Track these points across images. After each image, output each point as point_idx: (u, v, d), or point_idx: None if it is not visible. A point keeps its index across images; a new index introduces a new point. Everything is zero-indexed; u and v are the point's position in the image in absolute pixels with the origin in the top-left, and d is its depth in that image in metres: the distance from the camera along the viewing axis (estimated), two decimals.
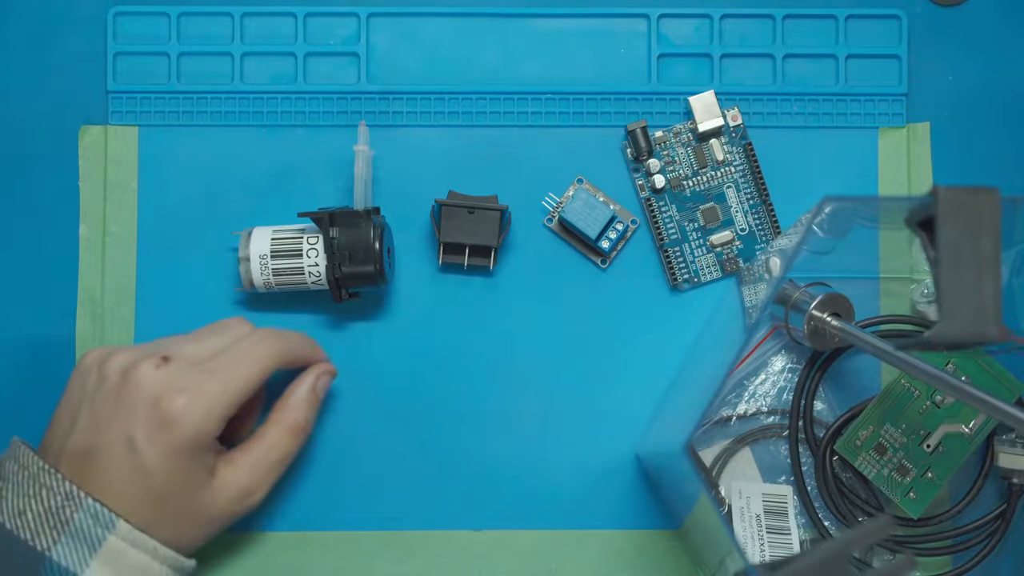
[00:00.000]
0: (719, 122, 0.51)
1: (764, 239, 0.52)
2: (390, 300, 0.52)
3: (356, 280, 0.48)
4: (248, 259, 0.49)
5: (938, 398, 0.49)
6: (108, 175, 0.52)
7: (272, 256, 0.48)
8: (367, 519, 0.51)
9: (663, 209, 0.52)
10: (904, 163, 0.52)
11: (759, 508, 0.49)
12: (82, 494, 0.41)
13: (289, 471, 0.48)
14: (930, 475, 0.49)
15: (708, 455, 0.51)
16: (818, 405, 0.51)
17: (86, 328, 0.51)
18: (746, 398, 0.51)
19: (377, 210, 0.50)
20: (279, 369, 0.46)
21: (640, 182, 0.52)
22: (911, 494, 0.49)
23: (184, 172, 0.52)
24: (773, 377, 0.51)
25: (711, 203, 0.52)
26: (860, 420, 0.49)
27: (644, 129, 0.51)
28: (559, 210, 0.52)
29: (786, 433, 0.51)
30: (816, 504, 0.50)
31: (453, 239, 0.49)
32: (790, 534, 0.48)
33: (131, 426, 0.42)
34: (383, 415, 0.51)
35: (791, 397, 0.51)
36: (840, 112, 0.52)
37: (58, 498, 0.41)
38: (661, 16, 0.53)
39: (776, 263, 0.47)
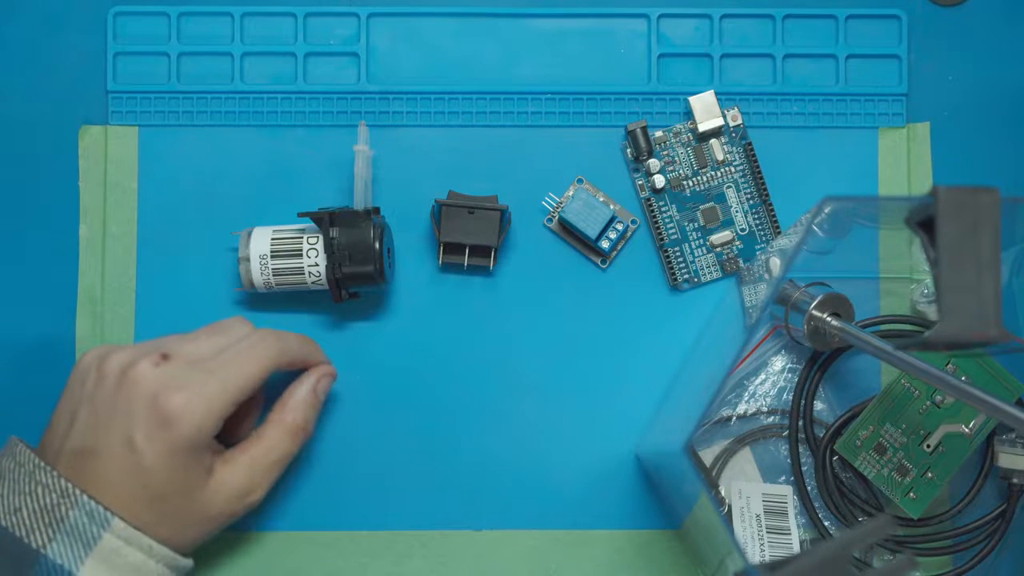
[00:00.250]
0: (719, 122, 0.51)
1: (764, 239, 0.52)
2: (390, 300, 0.52)
3: (356, 280, 0.48)
4: (248, 259, 0.49)
5: (938, 398, 0.49)
6: (108, 175, 0.52)
7: (272, 256, 0.48)
8: (367, 519, 0.51)
9: (663, 209, 0.52)
10: (904, 163, 0.52)
11: (759, 508, 0.49)
12: (77, 492, 0.41)
13: (289, 471, 0.48)
14: (930, 475, 0.49)
15: (708, 455, 0.51)
16: (818, 405, 0.51)
17: (86, 328, 0.51)
18: (746, 398, 0.51)
19: (377, 210, 0.50)
20: (278, 370, 0.46)
21: (640, 182, 0.52)
22: (911, 494, 0.49)
23: (184, 172, 0.52)
24: (773, 377, 0.51)
25: (711, 203, 0.52)
26: (860, 420, 0.49)
27: (644, 129, 0.51)
28: (559, 210, 0.52)
29: (786, 433, 0.51)
30: (816, 504, 0.50)
31: (453, 239, 0.49)
32: (790, 534, 0.48)
33: (129, 424, 0.42)
34: (383, 415, 0.51)
35: (791, 397, 0.51)
36: (840, 112, 0.52)
37: (53, 495, 0.41)
38: (661, 16, 0.53)
39: (776, 263, 0.47)
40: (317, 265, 0.48)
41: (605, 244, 0.51)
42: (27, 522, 0.41)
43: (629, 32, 0.53)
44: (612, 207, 0.52)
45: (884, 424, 0.49)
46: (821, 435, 0.50)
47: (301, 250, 0.48)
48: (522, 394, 0.51)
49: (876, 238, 0.52)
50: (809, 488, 0.50)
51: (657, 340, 0.51)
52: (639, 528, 0.51)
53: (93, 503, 0.41)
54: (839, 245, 0.51)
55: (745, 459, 0.51)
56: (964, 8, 0.53)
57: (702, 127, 0.51)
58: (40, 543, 0.40)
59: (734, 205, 0.52)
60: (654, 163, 0.51)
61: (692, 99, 0.51)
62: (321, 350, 0.49)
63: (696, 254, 0.52)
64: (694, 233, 0.52)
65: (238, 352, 0.45)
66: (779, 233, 0.52)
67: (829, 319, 0.47)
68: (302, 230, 0.49)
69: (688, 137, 0.52)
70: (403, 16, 0.52)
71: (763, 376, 0.51)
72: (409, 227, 0.52)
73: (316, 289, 0.49)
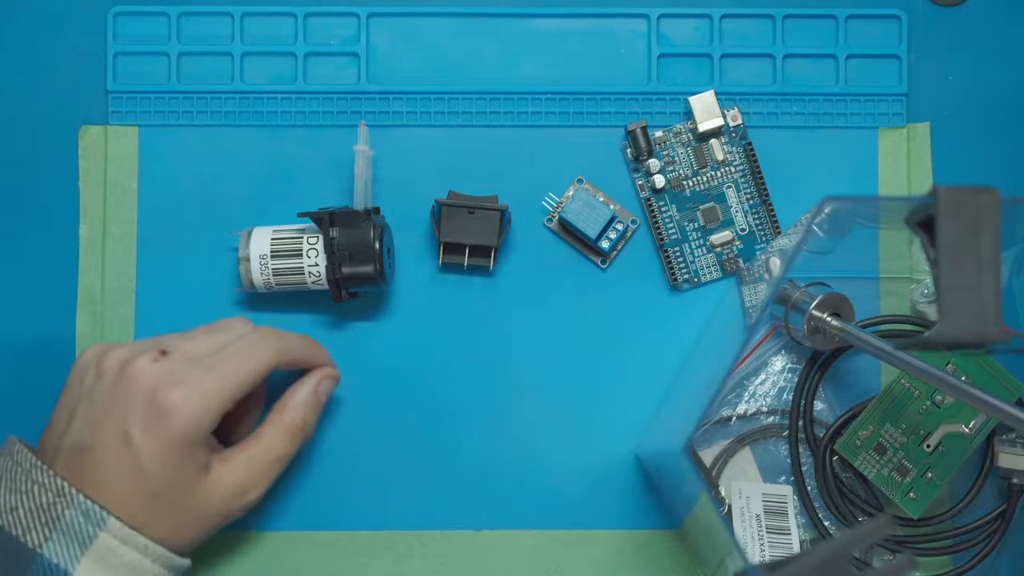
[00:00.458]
0: (719, 122, 0.51)
1: (764, 239, 0.52)
2: (390, 300, 0.52)
3: (356, 280, 0.48)
4: (248, 259, 0.49)
5: (938, 398, 0.49)
6: (108, 175, 0.52)
7: (272, 256, 0.48)
8: (367, 519, 0.51)
9: (663, 209, 0.52)
10: (904, 163, 0.52)
11: (759, 508, 0.49)
12: (73, 491, 0.41)
13: (289, 471, 0.48)
14: (930, 475, 0.49)
15: (708, 455, 0.51)
16: (818, 405, 0.51)
17: (86, 328, 0.51)
18: (746, 398, 0.51)
19: (377, 210, 0.50)
20: (278, 369, 0.46)
21: (640, 182, 0.52)
22: (911, 494, 0.49)
23: (184, 172, 0.52)
24: (773, 377, 0.51)
25: (711, 203, 0.52)
26: (860, 420, 0.49)
27: (644, 129, 0.51)
28: (559, 210, 0.52)
29: (786, 433, 0.51)
30: (816, 504, 0.50)
31: (453, 239, 0.49)
32: (790, 534, 0.48)
33: (127, 419, 0.42)
34: (383, 415, 0.51)
35: (791, 397, 0.51)
36: (840, 112, 0.52)
37: (49, 494, 0.41)
38: (661, 16, 0.53)
39: (776, 263, 0.47)
40: (317, 265, 0.48)
41: (605, 244, 0.51)
42: (23, 521, 0.41)
43: (629, 32, 0.53)
44: (612, 207, 0.52)
45: (884, 424, 0.49)
46: (821, 435, 0.50)
47: (301, 250, 0.48)
48: (522, 394, 0.51)
49: (876, 238, 0.52)
50: (809, 488, 0.50)
51: (657, 340, 0.51)
52: (639, 528, 0.51)
53: (89, 502, 0.41)
54: (839, 245, 0.51)
55: (745, 459, 0.51)
56: (964, 8, 0.53)
57: (702, 127, 0.51)
58: (36, 542, 0.40)
59: (734, 205, 0.52)
60: (654, 163, 0.51)
61: (692, 99, 0.51)
62: (325, 352, 0.49)
63: (696, 254, 0.52)
64: (694, 233, 0.52)
65: (237, 350, 0.45)
66: (779, 233, 0.52)
67: (829, 319, 0.46)
68: (302, 230, 0.49)
69: (688, 137, 0.52)
70: (403, 16, 0.52)
71: (763, 376, 0.51)
72: (409, 227, 0.52)
73: (316, 289, 0.49)
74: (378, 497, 0.51)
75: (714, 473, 0.51)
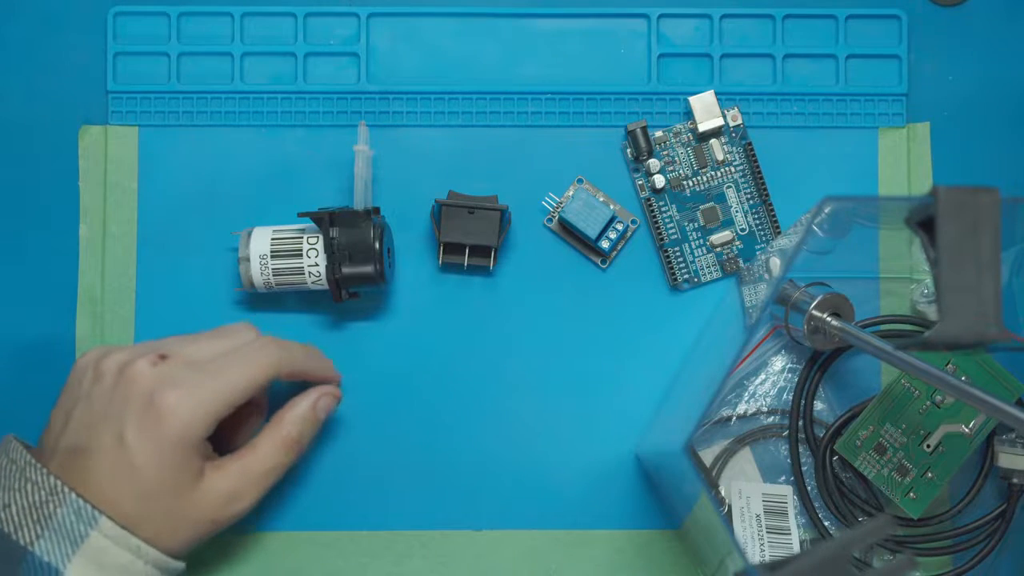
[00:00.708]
0: (719, 122, 0.51)
1: (764, 239, 0.52)
2: (390, 300, 0.52)
3: (356, 280, 0.48)
4: (248, 259, 0.49)
5: (938, 398, 0.49)
6: (108, 175, 0.52)
7: (272, 256, 0.48)
8: (367, 519, 0.51)
9: (663, 209, 0.52)
10: (904, 163, 0.52)
11: (759, 508, 0.49)
12: (66, 489, 0.41)
13: (290, 471, 0.48)
14: (930, 475, 0.49)
15: (708, 455, 0.51)
16: (818, 405, 0.51)
17: (86, 328, 0.51)
18: (746, 398, 0.51)
19: (377, 210, 0.50)
20: (279, 378, 0.46)
21: (640, 182, 0.52)
22: (911, 494, 0.49)
23: (184, 172, 0.52)
24: (773, 377, 0.51)
25: (711, 203, 0.52)
26: (860, 420, 0.49)
27: (644, 129, 0.51)
28: (559, 210, 0.52)
29: (786, 433, 0.51)
30: (816, 504, 0.50)
31: (453, 239, 0.49)
32: (790, 534, 0.48)
33: (122, 420, 0.42)
34: (383, 415, 0.51)
35: (791, 397, 0.51)
36: (840, 112, 0.52)
37: (42, 493, 0.41)
38: (661, 16, 0.53)
39: (776, 263, 0.47)
40: (317, 265, 0.48)
41: (605, 244, 0.51)
42: (15, 518, 0.41)
43: (629, 32, 0.53)
44: (612, 207, 0.52)
45: (884, 424, 0.49)
46: (821, 435, 0.50)
47: (301, 250, 0.48)
48: (522, 394, 0.51)
49: (876, 238, 0.52)
50: (809, 488, 0.50)
51: (657, 340, 0.51)
52: (639, 528, 0.51)
53: (81, 501, 0.41)
54: (839, 245, 0.51)
55: (745, 459, 0.51)
56: (964, 8, 0.53)
57: (702, 127, 0.51)
58: (28, 540, 0.40)
59: (734, 205, 0.52)
60: (654, 163, 0.51)
61: (692, 99, 0.51)
62: (331, 366, 0.49)
63: (696, 254, 0.52)
64: (694, 233, 0.52)
65: (237, 356, 0.45)
66: (779, 233, 0.52)
67: (829, 319, 0.46)
68: (302, 230, 0.49)
69: (688, 137, 0.52)
70: (403, 16, 0.52)
71: (763, 376, 0.51)
72: (409, 227, 0.52)
73: (316, 289, 0.49)
74: (378, 497, 0.51)
75: (714, 473, 0.51)
